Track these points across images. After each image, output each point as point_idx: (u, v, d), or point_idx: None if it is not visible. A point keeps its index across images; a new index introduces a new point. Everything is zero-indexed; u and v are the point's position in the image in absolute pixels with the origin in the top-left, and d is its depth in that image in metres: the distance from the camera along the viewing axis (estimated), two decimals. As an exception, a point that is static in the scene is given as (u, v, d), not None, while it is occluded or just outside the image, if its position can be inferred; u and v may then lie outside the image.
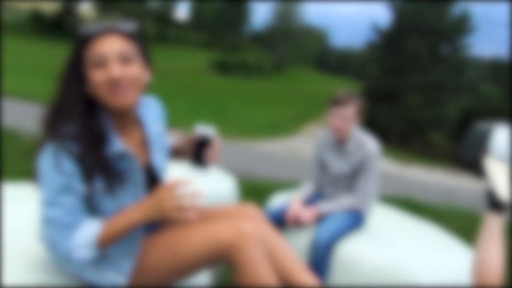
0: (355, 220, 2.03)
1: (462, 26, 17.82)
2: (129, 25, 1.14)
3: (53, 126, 1.09)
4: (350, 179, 2.14)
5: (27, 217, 1.48)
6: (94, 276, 1.15)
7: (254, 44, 38.08)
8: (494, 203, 1.31)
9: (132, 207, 1.14)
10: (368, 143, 2.08)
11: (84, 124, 1.09)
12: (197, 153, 1.29)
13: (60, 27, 30.76)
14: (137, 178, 1.19)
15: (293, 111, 18.33)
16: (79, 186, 1.08)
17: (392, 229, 2.20)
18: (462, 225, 3.92)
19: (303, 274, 1.27)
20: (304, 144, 11.34)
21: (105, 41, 1.09)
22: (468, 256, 1.97)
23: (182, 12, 42.33)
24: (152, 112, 1.31)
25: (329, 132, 2.22)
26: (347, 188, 2.16)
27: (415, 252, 1.94)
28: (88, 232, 1.10)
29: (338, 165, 2.17)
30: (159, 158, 1.27)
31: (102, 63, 1.08)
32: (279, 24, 41.92)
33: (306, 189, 2.26)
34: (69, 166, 1.06)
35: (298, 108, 19.57)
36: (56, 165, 1.05)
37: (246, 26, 41.32)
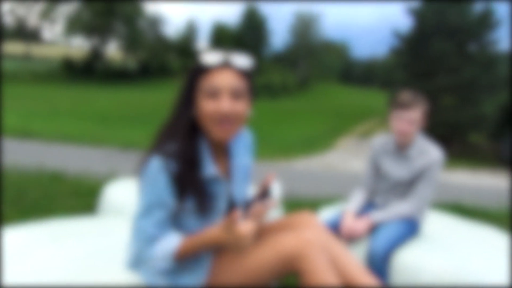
0: (411, 228, 1.95)
1: (486, 22, 17.35)
2: (245, 61, 1.20)
3: (159, 143, 1.19)
4: (407, 186, 2.06)
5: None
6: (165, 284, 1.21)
7: (277, 65, 38.41)
8: None
9: (212, 229, 1.17)
10: (432, 150, 2.00)
11: (185, 145, 1.17)
12: (252, 202, 1.23)
13: (90, 70, 32.30)
14: (222, 203, 1.27)
15: (324, 126, 18.22)
16: (171, 202, 1.15)
17: (448, 235, 2.12)
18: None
19: (365, 276, 1.29)
20: (339, 159, 11.18)
21: (221, 75, 1.16)
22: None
23: (202, 42, 43.48)
24: (242, 144, 1.38)
25: (388, 137, 2.15)
26: (401, 195, 2.08)
27: (477, 256, 1.85)
28: (168, 245, 1.17)
29: (397, 171, 2.08)
30: (239, 189, 1.33)
31: (215, 94, 1.15)
32: (298, 42, 42.29)
33: (357, 200, 2.18)
34: (165, 181, 1.13)
35: (328, 123, 19.43)
36: (154, 179, 1.13)
37: (267, 48, 41.86)
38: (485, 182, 9.33)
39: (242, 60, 1.19)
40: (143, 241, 1.15)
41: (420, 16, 18.40)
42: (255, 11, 40.05)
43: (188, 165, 1.16)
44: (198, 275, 1.25)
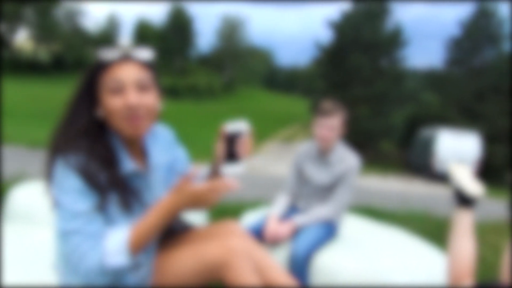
0: (329, 231, 2.05)
1: (396, 39, 19.01)
2: (147, 53, 1.15)
3: (60, 143, 1.09)
4: (328, 190, 2.16)
5: None
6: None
7: (202, 67, 38.20)
8: (463, 200, 1.38)
9: (158, 205, 1.13)
10: (350, 157, 2.12)
11: (93, 143, 1.10)
12: (230, 150, 1.21)
13: (-5, 60, 29.19)
14: (148, 195, 1.20)
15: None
16: (91, 199, 1.06)
17: (362, 237, 2.26)
18: (421, 227, 4.07)
19: (285, 278, 1.30)
20: (263, 162, 11.40)
21: (123, 68, 1.10)
22: (436, 255, 2.06)
23: (124, 38, 41.74)
24: (160, 141, 1.31)
25: (311, 143, 2.23)
26: (322, 199, 2.17)
27: (389, 256, 2.00)
28: (118, 237, 1.08)
29: (319, 175, 2.17)
30: (160, 191, 1.25)
31: (119, 89, 1.09)
32: (224, 45, 42.54)
33: (280, 204, 2.23)
34: (76, 180, 1.05)
35: (253, 128, 19.69)
36: (66, 185, 1.05)
37: (193, 49, 41.41)
38: (394, 187, 10.15)
39: (143, 52, 1.15)
40: (84, 242, 1.03)
41: (338, 30, 19.58)
42: (182, 11, 39.44)
43: (103, 162, 1.09)
44: (141, 274, 1.19)
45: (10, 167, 4.88)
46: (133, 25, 40.31)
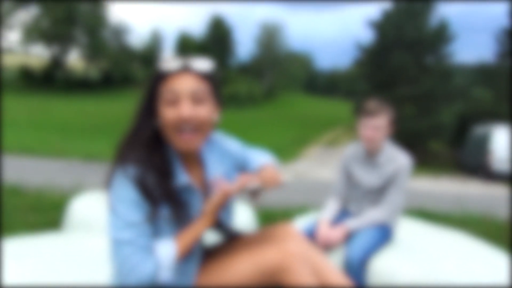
0: (384, 235, 1.98)
1: (442, 35, 18.27)
2: (205, 64, 1.16)
3: (123, 154, 1.12)
4: (379, 193, 2.09)
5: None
6: None
7: (242, 75, 38.60)
8: None
9: (195, 220, 1.18)
10: (400, 156, 2.05)
11: (151, 154, 1.12)
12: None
13: (50, 80, 31.17)
14: (198, 212, 1.22)
15: (290, 135, 18.41)
16: (144, 211, 1.09)
17: (418, 239, 2.17)
18: (480, 229, 3.86)
19: (344, 281, 1.28)
20: (307, 167, 11.31)
21: (180, 79, 1.11)
22: (500, 256, 1.94)
23: (167, 51, 43.09)
24: (216, 152, 1.32)
25: (358, 145, 2.18)
26: (374, 202, 2.11)
27: (450, 258, 1.91)
28: (167, 252, 1.11)
29: (368, 178, 2.12)
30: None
31: (174, 101, 1.10)
32: (264, 53, 42.76)
33: (331, 208, 2.19)
34: (132, 191, 1.08)
35: (294, 132, 19.66)
36: (123, 196, 1.07)
37: (233, 58, 42.01)
38: (446, 188, 9.70)
39: (202, 63, 1.15)
40: (137, 254, 1.06)
41: (380, 29, 19.12)
42: (221, 22, 40.19)
43: (158, 174, 1.11)
44: (186, 279, 1.21)
45: (67, 180, 5.17)
46: (175, 39, 41.63)
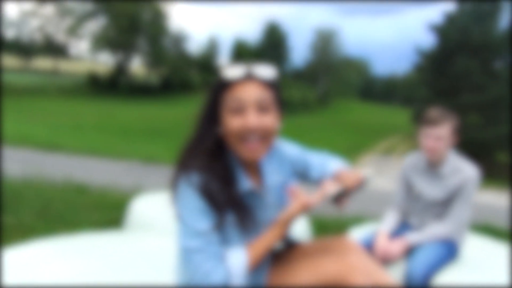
0: (450, 251, 1.86)
1: (511, 39, 17.04)
2: (269, 72, 1.14)
3: (186, 161, 1.13)
4: (442, 206, 1.98)
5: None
6: None
7: (297, 81, 38.53)
8: None
9: (273, 225, 1.19)
10: (466, 168, 1.93)
11: (213, 162, 1.12)
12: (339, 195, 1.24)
13: (115, 85, 33.10)
14: (263, 214, 1.22)
15: (345, 143, 18.04)
16: (211, 219, 1.09)
17: (487, 258, 2.02)
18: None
19: None
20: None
21: (245, 88, 1.09)
22: None
23: (223, 58, 44.10)
24: (275, 160, 1.31)
25: (419, 154, 2.08)
26: (437, 215, 2.00)
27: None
28: (239, 259, 1.11)
29: (431, 190, 2.01)
30: (271, 210, 1.26)
31: (240, 109, 1.09)
32: (318, 59, 42.45)
33: (390, 220, 2.10)
34: (197, 199, 1.08)
35: (349, 140, 19.25)
36: (189, 203, 1.08)
37: (287, 64, 42.10)
38: (515, 203, 8.98)
39: (266, 71, 1.12)
40: (208, 261, 1.07)
41: (442, 34, 18.23)
42: (276, 28, 40.48)
43: (222, 180, 1.11)
44: (257, 281, 1.21)
45: (128, 180, 5.43)
46: (231, 45, 42.55)
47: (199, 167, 1.10)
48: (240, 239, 1.15)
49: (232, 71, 1.10)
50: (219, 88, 1.12)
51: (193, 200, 1.08)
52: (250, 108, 1.08)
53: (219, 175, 1.11)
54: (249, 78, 1.10)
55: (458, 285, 1.72)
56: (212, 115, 1.14)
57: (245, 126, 1.07)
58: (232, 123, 1.09)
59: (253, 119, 1.07)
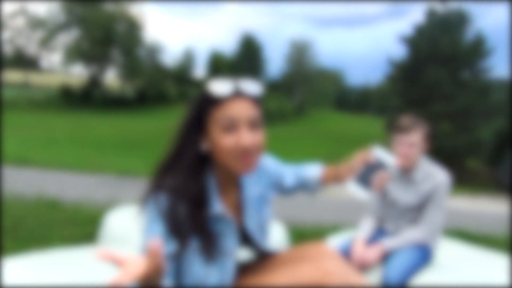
0: (424, 255, 1.91)
1: (478, 49, 17.77)
2: (256, 88, 1.13)
3: (158, 179, 1.09)
4: (416, 211, 2.02)
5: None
6: None
7: (273, 92, 38.85)
8: None
9: None
10: (438, 173, 1.98)
11: (189, 179, 1.09)
12: (365, 173, 1.23)
13: (88, 98, 32.51)
14: (230, 242, 1.18)
15: (322, 152, 18.23)
16: (170, 247, 1.04)
17: (460, 261, 2.07)
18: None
19: None
20: (339, 185, 11.09)
21: (236, 105, 1.07)
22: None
23: (199, 70, 44.14)
24: (255, 171, 1.28)
25: None
26: (412, 221, 2.04)
27: (493, 283, 1.80)
28: None
29: (404, 196, 2.05)
30: (253, 222, 1.25)
31: (232, 127, 1.06)
32: (294, 70, 42.97)
33: (366, 227, 2.13)
34: (160, 225, 1.04)
35: (327, 149, 19.48)
36: (151, 223, 1.05)
37: (263, 75, 42.43)
38: (485, 208, 9.28)
39: (253, 87, 1.11)
40: None
41: (413, 45, 18.83)
42: (251, 39, 40.83)
43: (192, 203, 1.07)
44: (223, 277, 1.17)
45: (102, 194, 5.32)
46: (207, 57, 42.65)
47: (170, 187, 1.06)
48: (202, 266, 1.11)
49: (220, 87, 1.07)
50: (206, 104, 1.09)
51: (156, 225, 1.04)
52: (242, 125, 1.06)
53: (190, 197, 1.07)
54: (238, 94, 1.08)
55: (433, 286, 1.75)
56: (195, 131, 1.11)
57: (240, 145, 1.05)
58: (225, 141, 1.06)
59: (248, 138, 1.05)
